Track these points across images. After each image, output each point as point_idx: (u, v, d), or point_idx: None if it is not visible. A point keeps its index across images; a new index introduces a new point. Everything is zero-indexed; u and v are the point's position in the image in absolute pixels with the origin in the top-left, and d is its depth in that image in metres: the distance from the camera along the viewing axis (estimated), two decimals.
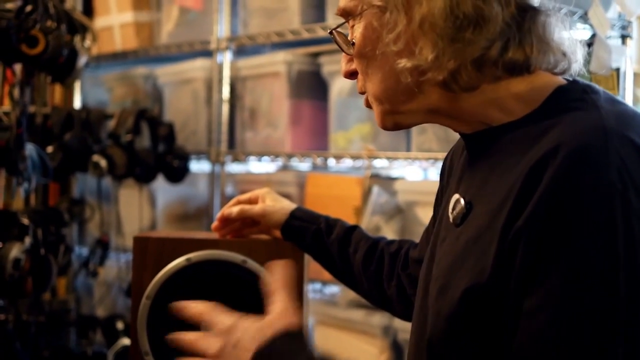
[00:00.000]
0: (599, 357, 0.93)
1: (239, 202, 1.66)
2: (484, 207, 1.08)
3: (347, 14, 1.18)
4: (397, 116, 1.17)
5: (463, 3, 1.05)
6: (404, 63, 1.09)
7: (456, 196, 1.17)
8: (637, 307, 0.93)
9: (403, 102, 1.14)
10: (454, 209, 1.17)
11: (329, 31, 1.21)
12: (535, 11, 1.08)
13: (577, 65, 1.12)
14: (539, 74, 1.11)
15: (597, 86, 1.09)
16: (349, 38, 1.19)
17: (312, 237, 1.59)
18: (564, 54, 1.10)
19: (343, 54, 1.21)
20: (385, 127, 1.19)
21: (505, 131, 1.10)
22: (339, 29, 1.19)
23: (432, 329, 1.12)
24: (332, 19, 2.53)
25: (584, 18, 2.06)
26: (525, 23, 1.07)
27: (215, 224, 1.64)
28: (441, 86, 1.10)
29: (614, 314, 0.93)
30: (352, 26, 1.17)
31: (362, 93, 1.21)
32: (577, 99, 1.05)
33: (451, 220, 1.17)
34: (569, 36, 1.11)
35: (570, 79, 1.12)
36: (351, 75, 1.21)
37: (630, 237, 0.93)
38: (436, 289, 1.13)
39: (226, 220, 1.64)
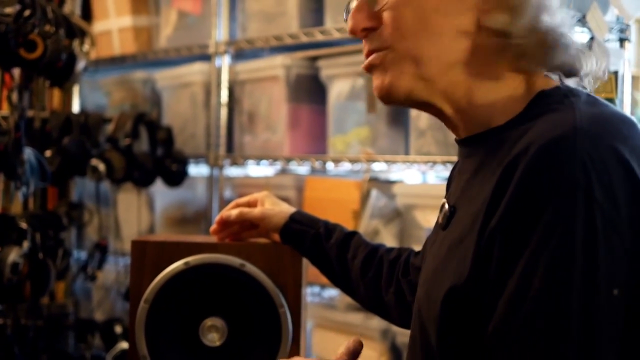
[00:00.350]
0: (552, 352, 0.93)
1: (238, 205, 1.66)
2: (466, 209, 1.10)
3: None
4: (422, 83, 1.12)
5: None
6: (499, 21, 1.08)
7: (443, 201, 1.19)
8: (592, 301, 0.93)
9: (449, 69, 1.11)
10: (441, 212, 1.18)
11: None
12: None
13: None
14: (536, 75, 1.12)
15: (581, 90, 1.10)
16: None
17: (311, 241, 1.59)
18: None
19: (357, 5, 1.16)
20: (392, 95, 1.15)
21: (493, 134, 1.11)
22: None
23: (424, 333, 1.13)
24: (331, 23, 2.53)
25: (582, 21, 2.06)
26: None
27: (213, 227, 1.64)
28: (511, 59, 1.10)
29: (567, 308, 0.93)
30: None
31: (375, 51, 1.15)
32: (556, 102, 1.06)
33: (439, 224, 1.18)
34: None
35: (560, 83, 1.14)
36: (363, 31, 1.16)
37: (592, 231, 0.93)
38: (423, 291, 1.15)
39: (225, 223, 1.64)
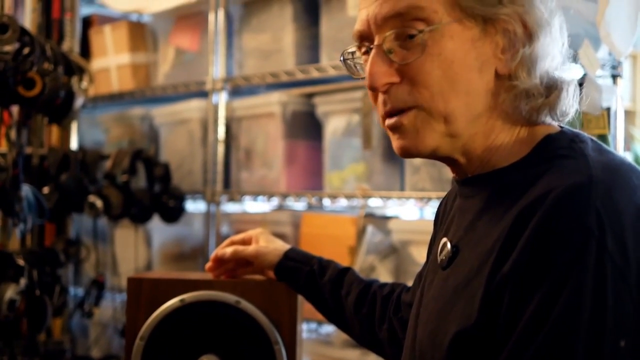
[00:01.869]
0: None
1: (233, 243, 1.67)
2: (471, 252, 1.10)
3: (413, 16, 1.09)
4: (449, 139, 1.12)
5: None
6: (525, 82, 1.10)
7: (444, 239, 1.19)
8: (599, 351, 0.94)
9: (473, 123, 1.12)
10: (441, 251, 1.18)
11: (387, 34, 1.11)
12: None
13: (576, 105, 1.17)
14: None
15: (585, 135, 1.12)
16: (396, 45, 1.11)
17: (305, 278, 1.60)
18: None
19: (376, 59, 1.12)
20: (416, 154, 1.14)
21: (497, 176, 1.12)
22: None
23: None
24: (326, 60, 2.55)
25: (574, 58, 2.08)
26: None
27: (209, 264, 1.65)
28: (524, 119, 1.13)
29: (572, 357, 0.94)
30: (421, 31, 1.09)
31: (400, 109, 1.12)
32: (565, 147, 1.08)
33: (438, 262, 1.18)
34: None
35: (561, 126, 1.15)
36: (384, 86, 1.12)
37: (602, 281, 0.94)
38: (426, 333, 1.14)
39: (220, 261, 1.64)
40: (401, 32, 1.10)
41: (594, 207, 0.96)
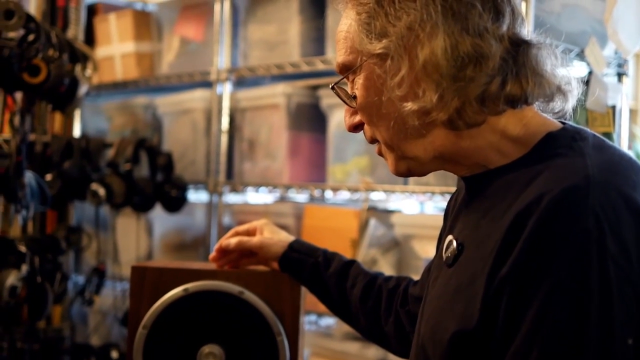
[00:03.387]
0: None
1: (237, 234, 1.67)
2: (475, 251, 1.10)
3: (346, 69, 1.19)
4: (409, 161, 1.18)
5: (462, 42, 1.07)
6: (409, 106, 1.10)
7: (450, 237, 1.19)
8: (609, 352, 0.94)
9: (411, 146, 1.15)
10: (447, 249, 1.18)
11: (330, 87, 1.22)
12: (527, 45, 1.10)
13: (573, 101, 1.14)
14: (534, 117, 1.13)
15: (587, 131, 1.11)
16: (349, 92, 1.20)
17: (310, 271, 1.60)
18: (559, 88, 1.12)
19: (345, 107, 1.23)
20: (398, 173, 1.21)
21: (499, 174, 1.12)
22: (339, 85, 1.20)
23: None
24: (332, 52, 2.55)
25: (581, 56, 2.09)
26: (520, 57, 1.10)
27: (213, 254, 1.65)
28: (447, 126, 1.11)
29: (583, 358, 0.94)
30: (352, 80, 1.19)
31: (373, 142, 1.22)
32: (565, 146, 1.07)
33: (444, 260, 1.18)
34: (565, 72, 1.13)
35: (564, 122, 1.14)
36: (356, 128, 1.23)
37: (606, 283, 0.94)
38: (428, 329, 1.15)
39: (224, 251, 1.64)
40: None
41: (592, 208, 0.96)
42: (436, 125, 1.12)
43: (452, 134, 1.13)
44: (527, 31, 1.13)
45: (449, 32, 1.07)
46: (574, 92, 1.14)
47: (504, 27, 1.09)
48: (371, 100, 1.15)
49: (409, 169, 1.19)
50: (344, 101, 1.21)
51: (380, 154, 1.23)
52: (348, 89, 1.21)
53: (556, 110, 1.14)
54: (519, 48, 1.10)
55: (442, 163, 1.18)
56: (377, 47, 1.12)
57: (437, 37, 1.07)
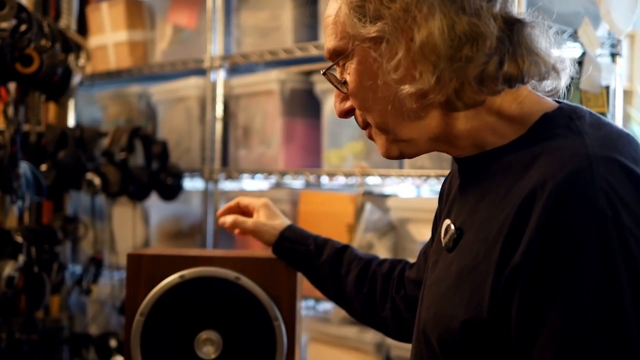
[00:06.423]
0: None
1: (239, 205, 1.71)
2: (476, 234, 1.09)
3: (337, 54, 1.17)
4: (401, 144, 1.17)
5: (459, 22, 1.06)
6: (407, 89, 1.09)
7: (447, 221, 1.18)
8: None
9: (407, 129, 1.14)
10: (445, 234, 1.18)
11: (322, 72, 1.20)
12: (520, 23, 1.10)
13: (566, 79, 1.14)
14: (529, 95, 1.12)
15: (583, 109, 1.11)
16: (338, 77, 1.19)
17: (302, 259, 1.60)
18: (554, 67, 1.11)
19: (335, 93, 1.22)
20: (390, 156, 1.20)
21: (496, 156, 1.11)
22: (330, 71, 1.19)
23: (431, 356, 1.13)
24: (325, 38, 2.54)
25: (574, 37, 2.08)
26: (514, 36, 1.09)
27: (220, 211, 1.72)
28: (444, 107, 1.10)
29: (626, 341, 0.93)
30: (344, 65, 1.17)
31: (365, 127, 1.21)
32: (562, 126, 1.07)
33: (443, 244, 1.18)
34: (558, 52, 1.12)
35: (559, 100, 1.14)
36: (347, 114, 1.22)
37: (630, 259, 0.94)
38: (430, 315, 1.14)
39: (229, 210, 1.71)
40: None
41: (600, 188, 0.96)
42: (433, 107, 1.11)
43: (448, 115, 1.12)
44: (516, 11, 1.13)
45: (445, 11, 1.06)
46: (567, 71, 1.13)
47: (497, 6, 1.09)
48: (365, 85, 1.14)
49: (400, 151, 1.18)
50: (336, 87, 1.20)
51: (370, 137, 1.22)
52: (337, 74, 1.19)
53: (548, 89, 1.14)
54: (512, 27, 1.09)
55: (436, 144, 1.17)
56: (372, 30, 1.10)
57: (434, 18, 1.06)
